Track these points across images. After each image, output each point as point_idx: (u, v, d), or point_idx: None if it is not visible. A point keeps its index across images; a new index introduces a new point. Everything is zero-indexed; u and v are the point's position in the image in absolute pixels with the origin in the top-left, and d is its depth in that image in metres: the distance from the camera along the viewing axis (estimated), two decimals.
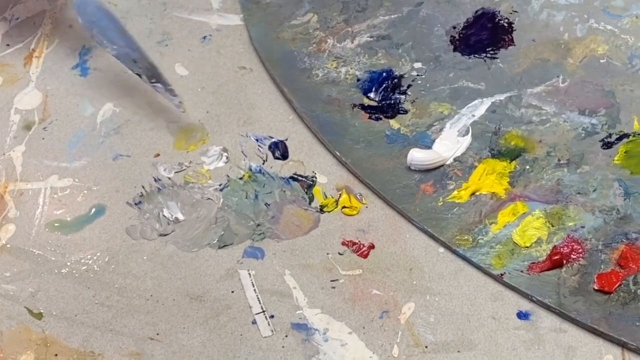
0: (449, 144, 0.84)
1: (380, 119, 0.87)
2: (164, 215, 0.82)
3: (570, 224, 0.77)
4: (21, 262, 0.81)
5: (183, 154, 0.88)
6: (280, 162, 0.86)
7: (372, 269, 0.78)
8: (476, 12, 0.95)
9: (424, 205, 0.80)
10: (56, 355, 0.74)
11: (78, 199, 0.85)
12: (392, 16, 0.96)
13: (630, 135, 0.83)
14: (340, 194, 0.83)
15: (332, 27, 0.96)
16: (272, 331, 0.75)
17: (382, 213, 0.82)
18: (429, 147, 0.84)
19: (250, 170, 0.86)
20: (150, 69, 0.88)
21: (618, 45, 0.90)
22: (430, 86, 0.89)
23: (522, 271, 0.75)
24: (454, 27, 0.94)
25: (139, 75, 0.88)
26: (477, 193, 0.80)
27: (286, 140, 0.88)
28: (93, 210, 0.84)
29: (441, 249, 0.78)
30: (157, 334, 0.75)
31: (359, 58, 0.93)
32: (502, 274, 0.75)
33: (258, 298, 0.76)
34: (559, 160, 0.82)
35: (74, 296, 0.78)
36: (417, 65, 0.92)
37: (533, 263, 0.75)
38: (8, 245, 0.82)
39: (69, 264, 0.80)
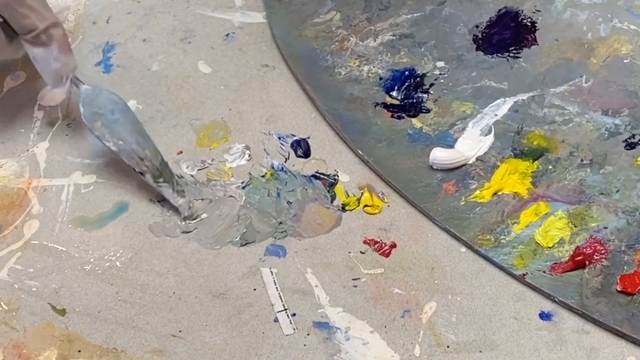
0: (472, 144, 0.84)
1: (403, 117, 0.87)
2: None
3: (593, 224, 0.77)
4: (44, 258, 0.81)
5: (206, 152, 0.88)
6: (302, 160, 0.86)
7: (394, 268, 0.78)
8: (499, 11, 0.95)
9: (446, 204, 0.80)
10: (79, 351, 0.75)
11: (101, 195, 0.85)
12: (415, 15, 0.96)
13: None
14: (362, 193, 0.83)
15: (354, 26, 0.97)
16: (294, 329, 0.75)
17: (404, 212, 0.82)
18: (451, 147, 0.84)
19: (273, 168, 0.86)
20: (160, 169, 0.85)
21: None
22: (453, 85, 0.89)
23: (544, 272, 0.75)
24: (477, 26, 0.94)
25: (142, 173, 0.84)
26: (500, 193, 0.80)
27: (308, 138, 0.88)
28: (116, 207, 0.84)
29: (463, 249, 0.78)
30: (180, 331, 0.75)
31: (381, 56, 0.93)
32: (524, 274, 0.75)
33: (280, 296, 0.77)
34: (581, 160, 0.81)
35: (97, 293, 0.78)
36: (440, 64, 0.92)
37: (555, 264, 0.75)
38: (32, 242, 0.82)
39: (92, 260, 0.81)
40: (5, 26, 0.83)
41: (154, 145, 0.86)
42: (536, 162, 0.82)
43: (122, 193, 0.85)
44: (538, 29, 0.93)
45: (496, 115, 0.86)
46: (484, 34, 0.93)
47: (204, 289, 0.78)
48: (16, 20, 0.82)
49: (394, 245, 0.79)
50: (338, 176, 0.85)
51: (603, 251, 0.75)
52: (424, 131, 0.86)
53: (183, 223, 0.82)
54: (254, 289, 0.77)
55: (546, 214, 0.78)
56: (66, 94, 0.89)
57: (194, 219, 0.82)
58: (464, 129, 0.85)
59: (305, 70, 0.93)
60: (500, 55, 0.91)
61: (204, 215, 0.83)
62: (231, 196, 0.84)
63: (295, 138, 0.88)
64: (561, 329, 0.72)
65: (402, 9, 0.97)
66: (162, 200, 0.84)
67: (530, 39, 0.92)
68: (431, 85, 0.90)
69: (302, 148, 0.87)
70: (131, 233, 0.82)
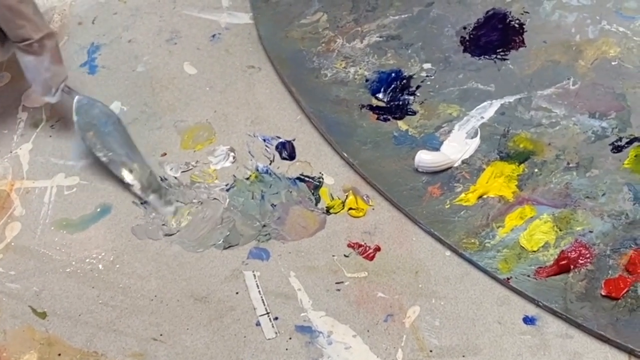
0: (457, 146, 0.83)
1: (389, 120, 0.87)
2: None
3: (578, 228, 0.76)
4: (26, 260, 0.80)
5: (190, 154, 0.87)
6: (287, 162, 0.86)
7: (378, 271, 0.77)
8: (487, 12, 0.95)
9: (430, 207, 0.80)
10: (59, 355, 0.74)
11: (84, 197, 0.85)
12: (402, 16, 0.96)
13: None
14: (347, 196, 0.83)
15: (341, 27, 0.96)
16: (276, 333, 0.74)
17: (389, 215, 0.81)
18: (437, 149, 0.83)
19: (257, 170, 0.85)
20: (149, 181, 0.85)
21: (630, 48, 0.89)
22: (440, 87, 0.89)
23: (528, 276, 0.74)
24: (464, 28, 0.94)
25: (129, 184, 0.85)
26: (485, 196, 0.80)
27: (294, 140, 0.88)
28: (99, 209, 0.84)
29: (447, 252, 0.78)
30: (161, 335, 0.75)
31: (368, 58, 0.93)
32: (508, 279, 0.74)
33: (262, 300, 0.76)
34: (568, 163, 0.81)
35: (78, 296, 0.78)
36: (427, 65, 0.91)
37: (540, 268, 0.74)
38: (13, 244, 0.82)
39: (73, 263, 0.80)
40: None
41: (143, 158, 0.87)
42: (522, 165, 0.81)
43: (105, 195, 0.85)
44: (526, 31, 0.92)
45: (483, 117, 0.85)
46: (472, 36, 0.93)
47: (186, 292, 0.77)
48: (11, 30, 0.82)
49: (378, 249, 0.79)
50: (323, 179, 0.84)
51: (588, 255, 0.74)
52: (409, 134, 0.85)
53: (165, 227, 0.82)
54: (237, 293, 0.77)
55: (531, 217, 0.78)
56: (56, 102, 0.88)
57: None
58: (450, 132, 0.85)
59: (291, 72, 0.92)
60: (487, 57, 0.91)
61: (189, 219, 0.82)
62: (215, 199, 0.83)
63: (281, 140, 0.88)
64: (545, 333, 0.72)
65: (390, 10, 0.97)
66: (144, 203, 0.83)
67: (518, 40, 0.92)
68: (418, 87, 0.89)
69: (287, 150, 0.87)
70: (113, 235, 0.82)
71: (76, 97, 0.87)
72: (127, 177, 0.85)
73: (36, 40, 0.83)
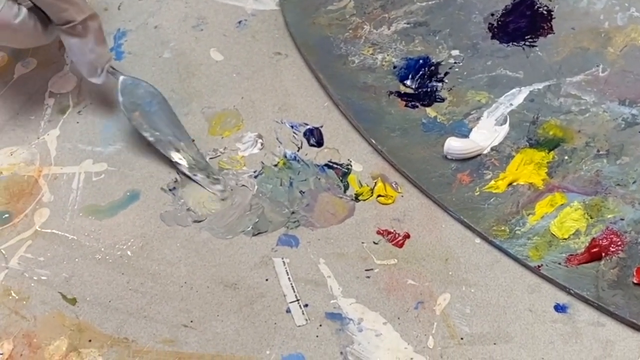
0: (486, 133, 0.83)
1: (417, 106, 0.86)
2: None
3: (609, 216, 0.76)
4: (55, 247, 0.81)
5: (218, 140, 0.87)
6: (315, 149, 0.86)
7: (408, 258, 0.77)
8: None
9: (460, 194, 0.79)
10: (90, 341, 0.74)
11: (112, 184, 0.85)
12: (430, 2, 0.95)
13: None
14: (375, 183, 0.82)
15: (368, 13, 0.96)
16: (306, 320, 0.74)
17: (418, 202, 0.81)
18: (466, 136, 0.83)
19: (285, 157, 0.85)
20: (196, 159, 0.86)
21: None
22: (468, 74, 0.88)
23: (559, 263, 0.74)
24: (492, 14, 0.93)
25: (177, 164, 0.85)
26: (515, 183, 0.79)
27: (321, 127, 0.87)
28: (127, 195, 0.84)
29: (477, 240, 0.78)
30: (191, 321, 0.75)
31: (395, 45, 0.92)
32: (539, 266, 0.74)
33: (292, 286, 0.76)
34: (598, 150, 0.80)
35: (107, 282, 0.78)
36: (455, 52, 0.91)
37: (571, 255, 0.74)
38: (42, 230, 0.82)
39: (103, 249, 0.80)
40: (40, 13, 0.82)
41: (190, 137, 0.87)
42: (552, 152, 0.81)
43: (133, 181, 0.85)
44: (554, 18, 0.92)
45: (511, 104, 0.85)
46: (500, 22, 0.92)
47: (216, 278, 0.77)
48: (54, 13, 0.82)
49: (407, 236, 0.78)
50: (351, 166, 0.84)
51: (619, 243, 0.74)
52: (438, 120, 0.85)
53: (194, 213, 0.82)
54: (266, 279, 0.77)
55: (562, 205, 0.77)
56: (102, 83, 0.88)
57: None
58: (478, 119, 0.84)
59: (319, 59, 0.92)
60: (516, 43, 0.90)
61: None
62: (243, 185, 0.83)
63: (308, 127, 0.87)
64: (576, 321, 0.72)
65: None
66: (173, 189, 0.83)
67: (546, 27, 0.91)
68: (446, 74, 0.89)
69: (314, 137, 0.87)
70: (142, 222, 0.82)
71: (121, 78, 0.87)
72: (175, 156, 0.85)
73: (79, 22, 0.83)
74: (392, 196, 0.81)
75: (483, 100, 0.86)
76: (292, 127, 0.88)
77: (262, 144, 0.86)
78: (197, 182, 0.84)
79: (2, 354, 0.74)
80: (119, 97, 0.87)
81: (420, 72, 0.89)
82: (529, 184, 0.79)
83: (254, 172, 0.84)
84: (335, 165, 0.84)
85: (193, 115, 0.89)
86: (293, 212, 0.81)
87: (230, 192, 0.83)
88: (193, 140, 0.87)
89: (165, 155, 0.85)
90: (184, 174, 0.85)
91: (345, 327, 0.73)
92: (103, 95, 0.91)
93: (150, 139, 0.86)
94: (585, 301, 0.72)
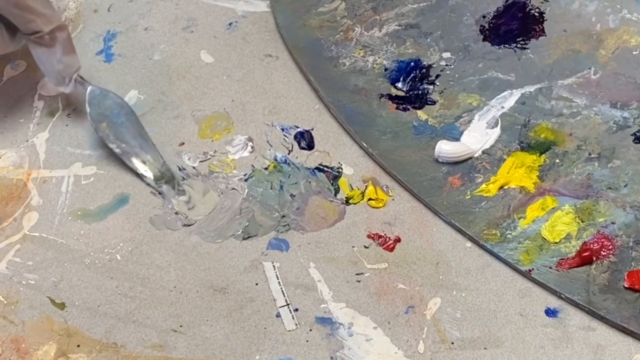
0: (478, 136, 0.83)
1: (408, 109, 0.86)
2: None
3: (600, 219, 0.76)
4: (44, 251, 0.80)
5: (208, 143, 0.87)
6: (305, 152, 0.85)
7: (398, 262, 0.77)
8: (506, 1, 0.94)
9: (451, 198, 0.79)
10: (78, 346, 0.74)
11: (101, 187, 0.84)
12: (421, 4, 0.95)
13: None
14: (366, 186, 0.82)
15: (359, 15, 0.95)
16: (296, 325, 0.74)
17: (409, 206, 0.81)
18: (457, 139, 0.83)
19: (276, 160, 0.85)
20: (161, 172, 0.85)
21: None
22: (459, 77, 0.88)
23: (550, 267, 0.74)
24: (484, 17, 0.93)
25: (143, 176, 0.84)
26: (506, 187, 0.79)
27: (312, 130, 0.87)
28: (117, 199, 0.83)
29: (468, 244, 0.77)
30: (180, 326, 0.74)
31: (386, 47, 0.92)
32: (530, 270, 0.74)
33: (282, 291, 0.76)
34: (589, 154, 0.80)
35: (96, 286, 0.77)
36: (446, 55, 0.90)
37: (562, 259, 0.74)
38: (31, 234, 0.81)
39: (92, 253, 0.80)
40: (7, 21, 0.81)
41: (156, 149, 0.86)
42: (543, 155, 0.81)
43: (122, 185, 0.84)
44: (546, 20, 0.92)
45: (503, 107, 0.85)
46: (491, 25, 0.92)
47: (205, 283, 0.77)
48: (21, 23, 0.81)
49: (398, 240, 0.78)
50: (342, 169, 0.84)
51: (610, 247, 0.74)
52: (429, 123, 0.85)
53: (182, 217, 0.81)
54: (256, 284, 0.76)
55: (553, 208, 0.77)
56: (70, 92, 0.88)
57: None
58: (470, 122, 0.84)
59: (309, 61, 0.92)
60: (507, 46, 0.90)
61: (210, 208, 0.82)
62: (233, 189, 0.83)
63: (299, 130, 0.87)
64: (567, 325, 0.72)
65: None
66: (161, 193, 0.83)
67: (538, 29, 0.91)
68: (437, 76, 0.88)
69: (305, 140, 0.86)
70: (132, 226, 0.81)
71: (89, 88, 0.87)
72: (141, 168, 0.85)
73: (47, 32, 0.82)
74: (382, 200, 0.81)
75: (474, 103, 0.86)
76: (282, 130, 0.87)
77: (252, 147, 0.86)
78: (162, 194, 0.83)
79: None
80: (87, 107, 0.86)
81: (412, 75, 0.89)
82: (520, 187, 0.79)
83: (244, 175, 0.84)
84: (325, 169, 0.84)
85: (183, 118, 0.89)
86: (283, 216, 0.81)
87: (199, 201, 0.83)
88: (162, 159, 0.86)
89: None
90: (149, 186, 0.84)
91: (335, 331, 0.73)
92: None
93: (117, 150, 0.85)
94: (576, 305, 0.72)
